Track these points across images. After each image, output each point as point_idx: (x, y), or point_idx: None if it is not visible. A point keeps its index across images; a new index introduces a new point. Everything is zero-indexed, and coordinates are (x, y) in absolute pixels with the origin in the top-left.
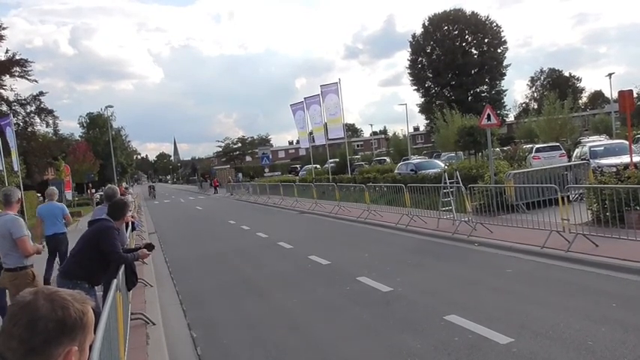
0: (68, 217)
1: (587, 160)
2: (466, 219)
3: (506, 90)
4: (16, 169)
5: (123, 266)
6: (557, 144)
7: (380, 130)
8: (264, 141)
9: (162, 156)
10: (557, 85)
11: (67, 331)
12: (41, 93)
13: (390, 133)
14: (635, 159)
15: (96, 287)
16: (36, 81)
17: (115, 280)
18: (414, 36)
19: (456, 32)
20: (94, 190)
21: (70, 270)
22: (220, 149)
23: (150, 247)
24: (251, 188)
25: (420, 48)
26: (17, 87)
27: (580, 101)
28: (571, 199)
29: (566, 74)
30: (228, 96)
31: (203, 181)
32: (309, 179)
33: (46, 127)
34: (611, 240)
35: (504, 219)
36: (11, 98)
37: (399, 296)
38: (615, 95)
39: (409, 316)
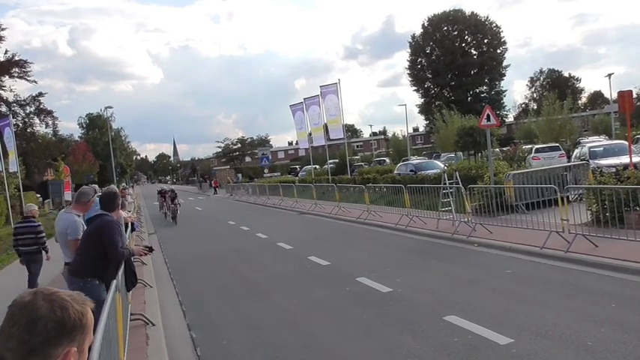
0: None
1: (587, 160)
2: (466, 219)
3: (506, 90)
4: (15, 169)
5: (122, 267)
6: (557, 144)
7: (379, 131)
8: (264, 142)
9: (161, 156)
10: (556, 86)
11: (67, 332)
12: (40, 94)
13: (390, 134)
14: (635, 159)
15: None
16: (35, 82)
17: (115, 281)
18: (413, 36)
19: (456, 33)
20: None
21: (79, 268)
22: (220, 150)
23: (149, 249)
24: (250, 189)
25: (420, 48)
26: (16, 88)
27: (579, 102)
28: (570, 199)
29: (566, 75)
30: (227, 97)
31: (203, 181)
32: (309, 180)
33: (46, 127)
34: (610, 240)
35: (504, 219)
36: (10, 99)
37: (398, 297)
38: (615, 96)
39: (409, 316)
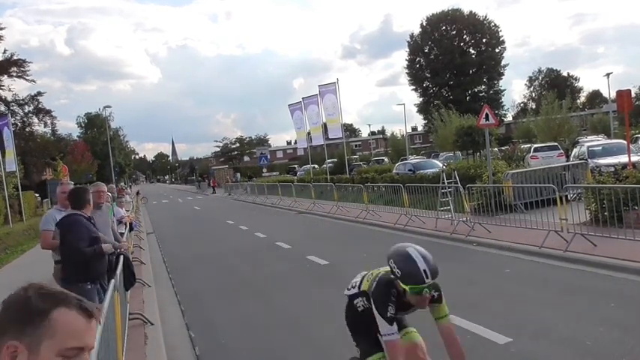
0: None
1: (586, 159)
2: (464, 219)
3: (505, 90)
4: (13, 169)
5: (120, 266)
6: (556, 144)
7: (378, 130)
8: (263, 141)
9: (160, 156)
10: (555, 85)
11: (15, 320)
12: (39, 93)
13: (388, 133)
14: (633, 159)
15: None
16: (34, 81)
17: (113, 281)
18: (411, 36)
19: (454, 32)
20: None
21: (66, 275)
22: (218, 149)
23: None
24: (249, 188)
25: (418, 48)
26: (15, 87)
27: (578, 101)
28: (569, 198)
29: (564, 74)
30: (226, 96)
31: (201, 181)
32: (308, 179)
33: (44, 127)
34: (609, 240)
35: (502, 219)
36: (9, 98)
37: None
38: (613, 95)
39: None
